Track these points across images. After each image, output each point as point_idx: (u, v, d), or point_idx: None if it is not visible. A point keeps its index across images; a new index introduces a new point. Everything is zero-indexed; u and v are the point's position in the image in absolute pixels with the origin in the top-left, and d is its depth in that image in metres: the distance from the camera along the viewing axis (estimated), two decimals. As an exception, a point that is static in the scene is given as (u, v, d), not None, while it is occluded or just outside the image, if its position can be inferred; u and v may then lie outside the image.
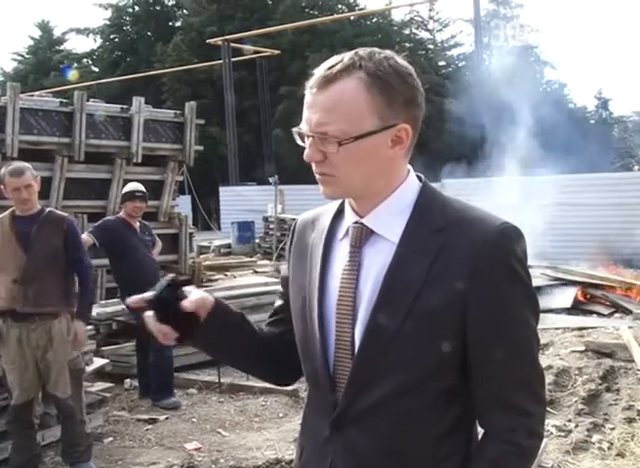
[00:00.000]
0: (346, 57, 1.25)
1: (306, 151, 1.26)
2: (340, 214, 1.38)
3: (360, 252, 1.30)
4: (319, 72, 1.25)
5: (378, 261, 1.28)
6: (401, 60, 1.27)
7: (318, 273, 1.34)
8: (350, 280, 1.30)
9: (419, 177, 1.34)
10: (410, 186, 1.31)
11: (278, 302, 1.53)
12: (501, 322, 1.24)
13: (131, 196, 5.55)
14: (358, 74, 1.22)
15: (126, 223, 5.53)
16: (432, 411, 1.27)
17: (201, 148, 9.29)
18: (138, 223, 5.64)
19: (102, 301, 6.86)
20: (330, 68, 1.24)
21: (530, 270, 1.30)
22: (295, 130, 1.29)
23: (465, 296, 1.22)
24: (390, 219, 1.29)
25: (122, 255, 5.43)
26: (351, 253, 1.31)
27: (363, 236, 1.30)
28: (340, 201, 1.40)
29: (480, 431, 1.35)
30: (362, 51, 1.26)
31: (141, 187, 5.67)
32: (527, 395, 1.27)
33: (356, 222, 1.32)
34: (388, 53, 1.27)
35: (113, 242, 5.40)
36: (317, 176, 1.29)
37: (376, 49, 1.27)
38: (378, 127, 1.23)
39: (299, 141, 1.29)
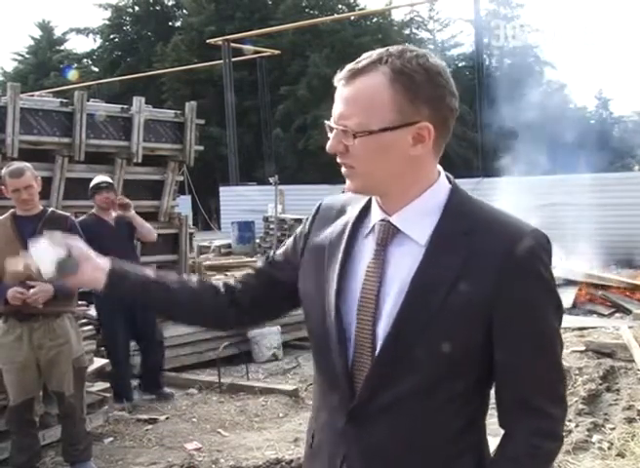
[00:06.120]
0: (376, 52, 1.26)
1: (329, 142, 1.28)
2: (366, 209, 1.37)
3: (385, 250, 1.30)
4: (348, 66, 1.26)
5: (404, 262, 1.27)
6: (433, 60, 1.26)
7: (338, 268, 1.33)
8: (374, 278, 1.29)
9: (447, 178, 1.33)
10: (441, 188, 1.31)
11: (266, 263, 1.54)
12: (528, 325, 1.25)
13: (97, 188, 5.45)
14: (382, 69, 1.22)
15: (98, 219, 5.40)
16: (449, 409, 1.28)
17: (201, 148, 9.27)
18: (112, 215, 5.50)
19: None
20: (358, 62, 1.25)
21: None
22: (326, 122, 1.30)
23: (493, 299, 1.23)
24: (419, 220, 1.28)
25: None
26: (377, 251, 1.30)
27: (389, 234, 1.30)
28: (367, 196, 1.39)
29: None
30: (394, 48, 1.26)
31: (107, 178, 5.65)
32: (550, 397, 1.28)
33: (382, 220, 1.31)
34: (422, 51, 1.27)
35: (89, 242, 5.33)
36: (342, 170, 1.31)
37: (410, 46, 1.27)
38: (396, 123, 1.22)
39: (329, 134, 1.30)
